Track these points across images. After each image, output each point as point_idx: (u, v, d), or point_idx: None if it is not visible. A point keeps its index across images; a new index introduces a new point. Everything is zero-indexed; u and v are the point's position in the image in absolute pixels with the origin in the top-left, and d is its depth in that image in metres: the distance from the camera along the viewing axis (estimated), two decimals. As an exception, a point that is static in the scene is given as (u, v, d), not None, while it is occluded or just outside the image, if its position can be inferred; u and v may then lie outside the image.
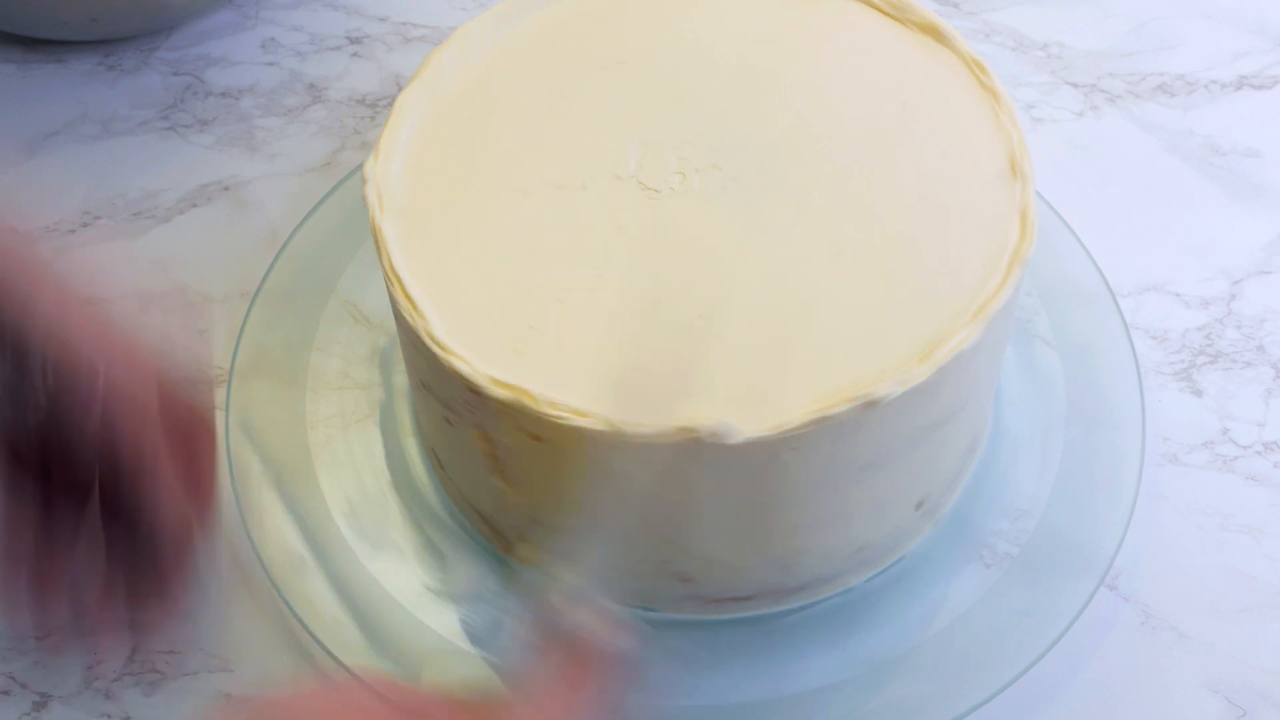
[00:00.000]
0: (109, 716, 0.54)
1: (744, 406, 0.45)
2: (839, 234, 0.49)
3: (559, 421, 0.45)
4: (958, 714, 0.51)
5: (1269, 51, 0.74)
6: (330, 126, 0.72)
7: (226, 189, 0.69)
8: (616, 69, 0.54)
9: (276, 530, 0.56)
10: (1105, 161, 0.69)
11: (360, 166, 0.66)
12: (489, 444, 0.49)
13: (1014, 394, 0.59)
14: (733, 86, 0.54)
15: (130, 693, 0.54)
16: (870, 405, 0.45)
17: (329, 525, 0.56)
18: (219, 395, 0.61)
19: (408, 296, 0.48)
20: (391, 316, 0.54)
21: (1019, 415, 0.59)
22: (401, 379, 0.60)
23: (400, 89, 0.57)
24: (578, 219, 0.50)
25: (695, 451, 0.45)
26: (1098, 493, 0.56)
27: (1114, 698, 0.53)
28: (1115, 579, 0.56)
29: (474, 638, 0.54)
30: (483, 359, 0.47)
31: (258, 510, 0.56)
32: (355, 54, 0.75)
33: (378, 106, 0.72)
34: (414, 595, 0.55)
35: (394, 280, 0.49)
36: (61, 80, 0.74)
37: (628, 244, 0.49)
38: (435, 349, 0.47)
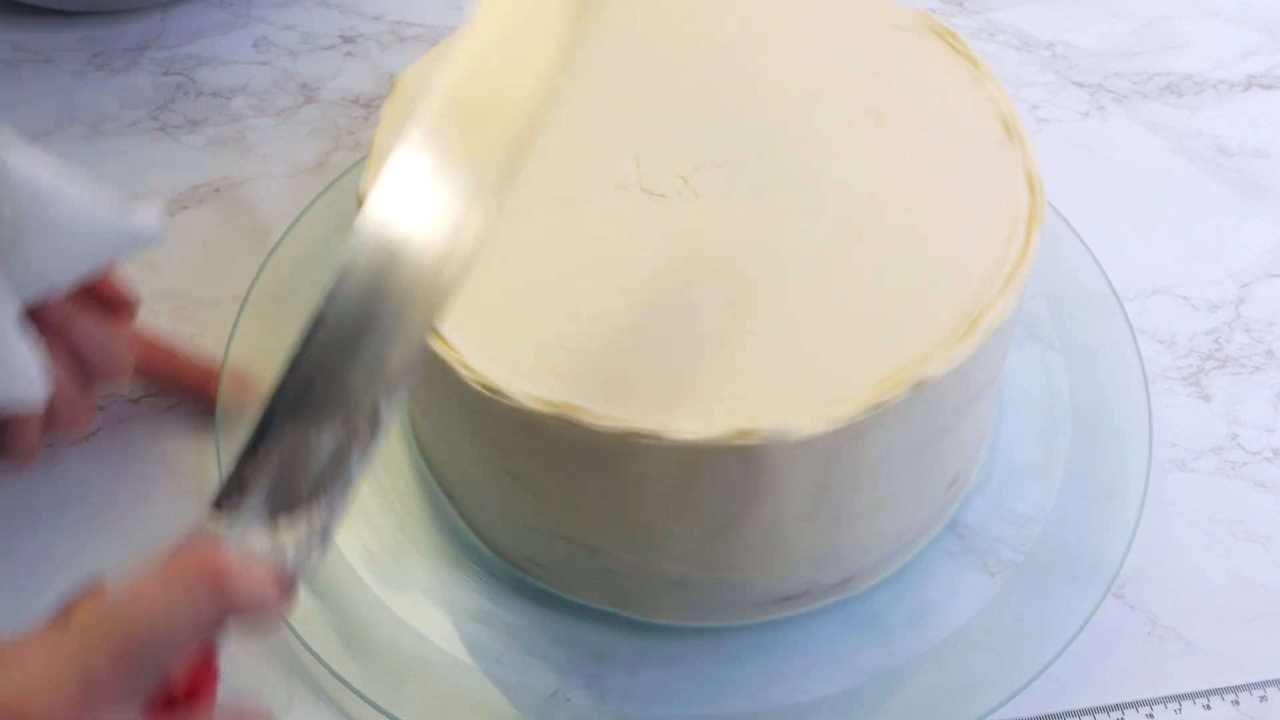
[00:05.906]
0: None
1: (797, 403, 0.45)
2: (854, 218, 0.49)
3: (615, 433, 0.44)
4: (961, 726, 0.50)
5: (1277, 51, 0.73)
6: (323, 127, 0.71)
7: (218, 190, 0.68)
8: (595, 75, 0.53)
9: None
10: (1111, 162, 0.69)
11: (353, 167, 0.65)
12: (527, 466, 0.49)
13: (1018, 398, 0.59)
14: (716, 82, 0.53)
15: (116, 703, 0.53)
16: (921, 386, 0.45)
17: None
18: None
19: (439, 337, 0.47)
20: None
21: (1023, 420, 0.58)
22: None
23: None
24: (590, 234, 0.49)
25: (753, 453, 0.44)
26: (1103, 499, 0.56)
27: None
28: (1122, 587, 0.55)
29: (470, 648, 0.53)
30: (525, 383, 0.45)
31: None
32: (349, 53, 0.74)
33: (371, 107, 0.71)
34: (406, 603, 0.54)
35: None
36: (50, 80, 0.73)
37: (646, 253, 0.49)
38: (477, 386, 0.46)
